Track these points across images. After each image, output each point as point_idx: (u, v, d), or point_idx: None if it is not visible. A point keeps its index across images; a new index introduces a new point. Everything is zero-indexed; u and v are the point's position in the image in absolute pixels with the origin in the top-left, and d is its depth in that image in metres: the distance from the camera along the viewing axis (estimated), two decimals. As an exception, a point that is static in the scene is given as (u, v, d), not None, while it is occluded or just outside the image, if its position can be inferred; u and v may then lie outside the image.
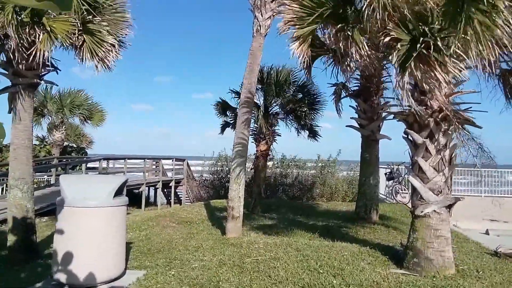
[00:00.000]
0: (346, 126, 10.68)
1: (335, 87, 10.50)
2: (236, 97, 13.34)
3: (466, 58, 4.38)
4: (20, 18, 5.68)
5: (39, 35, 5.84)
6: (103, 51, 6.65)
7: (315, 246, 6.75)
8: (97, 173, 15.96)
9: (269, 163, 16.20)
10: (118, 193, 4.99)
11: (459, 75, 4.68)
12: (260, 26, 8.08)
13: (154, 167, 19.98)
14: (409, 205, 6.52)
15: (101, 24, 6.66)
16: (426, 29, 4.48)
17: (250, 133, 10.61)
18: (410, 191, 9.69)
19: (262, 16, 8.07)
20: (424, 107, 5.38)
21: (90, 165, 18.54)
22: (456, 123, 5.31)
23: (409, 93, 4.84)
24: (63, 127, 19.31)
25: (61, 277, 4.60)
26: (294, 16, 5.79)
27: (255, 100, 10.56)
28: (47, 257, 6.20)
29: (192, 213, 11.64)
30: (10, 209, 6.39)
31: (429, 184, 5.51)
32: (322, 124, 14.00)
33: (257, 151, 13.08)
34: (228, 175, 11.28)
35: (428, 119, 5.43)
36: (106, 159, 17.21)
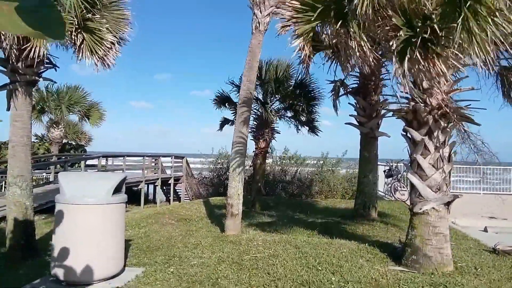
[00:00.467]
0: (345, 123, 10.68)
1: (333, 84, 10.50)
2: (235, 90, 13.35)
3: (467, 50, 4.36)
4: None
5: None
6: (103, 50, 6.62)
7: (314, 243, 6.76)
8: (96, 170, 15.95)
9: (269, 161, 16.23)
10: (117, 190, 4.99)
11: (460, 69, 4.66)
12: (259, 23, 8.06)
13: (153, 164, 19.98)
14: (408, 202, 6.53)
15: (100, 22, 6.63)
16: (423, 19, 4.45)
17: (249, 130, 10.61)
18: (408, 189, 9.72)
19: (261, 13, 8.05)
20: (423, 105, 5.38)
21: (89, 162, 18.53)
22: (455, 120, 5.31)
23: (410, 83, 4.81)
24: (62, 124, 19.29)
25: (60, 274, 4.60)
26: (295, 13, 5.78)
27: (254, 97, 10.57)
28: (46, 254, 6.20)
29: (191, 211, 11.65)
30: (9, 207, 6.39)
31: (428, 182, 5.52)
32: (321, 121, 13.97)
33: (256, 148, 13.09)
34: (227, 173, 11.28)
35: (427, 116, 5.43)
36: (105, 156, 17.20)
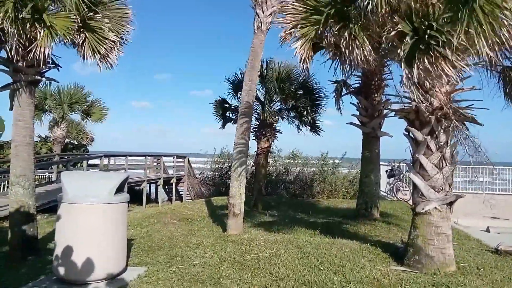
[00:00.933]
0: (347, 123, 10.67)
1: (336, 84, 10.50)
2: (231, 89, 13.34)
3: (471, 51, 4.36)
4: (21, 15, 5.66)
5: (39, 32, 5.82)
6: (105, 48, 6.63)
7: (315, 243, 6.76)
8: (98, 170, 15.98)
9: (270, 160, 16.24)
10: (119, 190, 4.99)
11: (465, 69, 4.65)
12: (261, 23, 8.06)
13: (155, 164, 20.01)
14: (410, 202, 6.51)
15: (102, 21, 6.63)
16: (431, 23, 4.45)
17: (251, 130, 10.62)
18: (411, 188, 9.70)
19: (263, 13, 8.05)
20: (425, 104, 5.37)
21: (91, 162, 18.58)
22: (457, 121, 5.30)
23: (417, 87, 4.82)
24: (64, 124, 19.33)
25: (62, 273, 4.61)
26: (298, 15, 5.77)
27: (256, 96, 10.57)
28: (48, 253, 6.22)
29: (193, 210, 11.67)
30: (11, 206, 6.41)
31: (430, 181, 5.51)
32: (323, 121, 13.97)
33: (258, 148, 13.09)
34: (229, 172, 11.29)
35: (429, 116, 5.42)
36: (107, 156, 17.24)
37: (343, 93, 10.53)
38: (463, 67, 4.59)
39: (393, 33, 4.83)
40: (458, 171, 13.77)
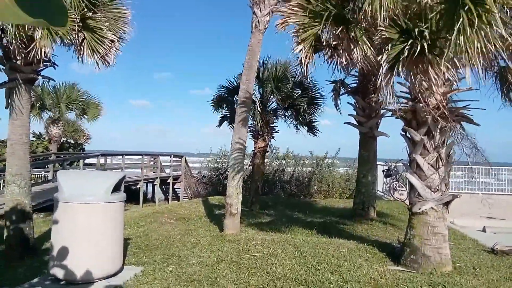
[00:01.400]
0: (345, 123, 10.69)
1: (334, 84, 10.51)
2: (226, 94, 13.38)
3: (462, 58, 4.38)
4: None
5: (38, 30, 5.79)
6: (104, 48, 6.61)
7: (312, 242, 6.76)
8: (95, 169, 15.92)
9: (267, 160, 16.23)
10: (115, 189, 4.98)
11: (454, 75, 4.68)
12: (258, 22, 8.05)
13: (152, 163, 19.96)
14: (407, 202, 6.53)
15: (101, 21, 6.61)
16: (420, 30, 4.47)
17: (248, 129, 10.61)
18: (407, 188, 9.73)
19: (261, 12, 8.04)
20: (422, 104, 5.39)
21: (87, 161, 18.51)
22: (453, 121, 5.32)
23: (394, 94, 4.85)
24: (60, 123, 19.25)
25: (58, 272, 4.60)
26: (297, 20, 5.77)
27: (253, 96, 10.57)
28: (44, 253, 6.19)
29: (190, 210, 11.65)
30: (7, 205, 6.37)
31: (427, 181, 5.52)
32: (320, 121, 14.01)
33: (255, 147, 13.09)
34: (226, 172, 11.30)
35: (426, 116, 5.44)
36: (103, 155, 17.17)
37: (341, 93, 10.55)
38: (456, 70, 4.61)
39: (381, 38, 4.85)
40: (455, 171, 13.82)
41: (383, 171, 14.59)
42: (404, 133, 5.89)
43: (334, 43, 5.84)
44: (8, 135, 6.50)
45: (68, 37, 6.12)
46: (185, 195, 19.81)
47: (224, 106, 13.77)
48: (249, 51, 8.22)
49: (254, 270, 5.26)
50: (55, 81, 7.94)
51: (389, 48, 4.63)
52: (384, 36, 4.75)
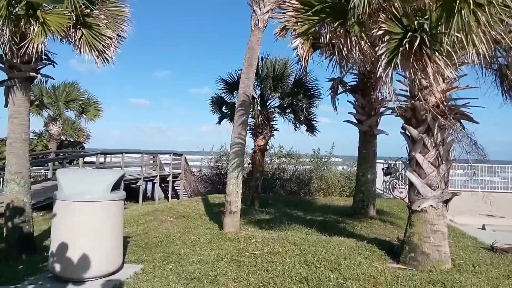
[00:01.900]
0: (344, 121, 10.70)
1: (332, 82, 10.49)
2: (225, 90, 13.36)
3: (460, 55, 4.38)
4: (14, 11, 5.62)
5: (34, 28, 5.77)
6: (102, 45, 6.60)
7: (312, 240, 6.77)
8: (94, 167, 15.93)
9: (267, 158, 16.24)
10: (115, 187, 4.98)
11: (453, 72, 4.67)
12: (258, 20, 8.04)
13: (151, 161, 19.96)
14: (406, 200, 6.53)
15: (99, 18, 6.60)
16: (419, 24, 4.46)
17: (248, 127, 10.61)
18: (407, 186, 9.74)
19: (260, 10, 8.03)
20: (421, 102, 5.38)
21: (87, 159, 18.50)
22: (453, 119, 5.31)
23: (399, 85, 4.85)
24: (60, 121, 19.23)
25: (58, 270, 4.60)
26: (295, 13, 5.76)
27: (253, 94, 10.57)
28: (44, 251, 6.19)
29: (189, 208, 11.65)
30: (6, 203, 6.37)
31: (426, 179, 5.52)
32: (320, 118, 14.04)
33: (254, 146, 13.09)
34: (227, 170, 11.31)
35: (425, 114, 5.43)
36: (103, 153, 17.18)
37: (339, 91, 10.53)
38: (455, 68, 4.61)
39: (380, 32, 4.84)
40: (455, 169, 13.83)
41: (382, 169, 14.62)
42: (403, 131, 5.88)
43: (333, 40, 5.82)
44: (7, 133, 6.50)
45: (62, 34, 6.07)
46: (185, 193, 19.83)
47: (223, 107, 13.75)
48: (249, 49, 8.21)
49: (253, 268, 5.26)
50: (54, 79, 7.92)
51: (387, 40, 4.62)
52: (383, 29, 4.73)
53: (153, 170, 19.24)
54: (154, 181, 18.32)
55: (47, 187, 13.38)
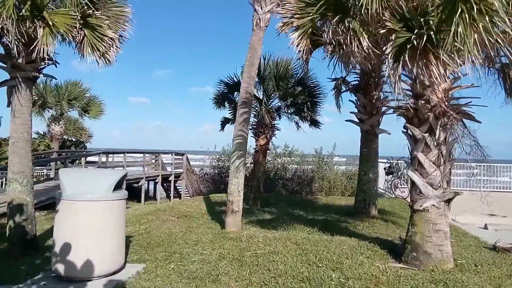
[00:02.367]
0: (346, 120, 10.68)
1: (335, 82, 10.49)
2: (226, 91, 13.38)
3: (463, 52, 4.36)
4: (20, 12, 5.64)
5: (39, 29, 5.79)
6: (104, 46, 6.61)
7: (314, 240, 6.77)
8: (97, 167, 15.95)
9: (269, 158, 16.24)
10: (117, 187, 4.99)
11: (457, 70, 4.66)
12: (259, 19, 8.04)
13: (153, 161, 19.99)
14: (408, 199, 6.53)
15: (101, 18, 6.61)
16: (423, 21, 4.45)
17: (250, 127, 10.61)
18: (409, 186, 9.73)
19: (261, 9, 8.03)
20: (424, 101, 5.37)
21: (89, 159, 18.54)
22: (455, 118, 5.30)
23: (401, 85, 4.84)
24: (62, 120, 19.27)
25: (60, 269, 4.62)
26: (294, 5, 5.78)
27: (254, 94, 10.57)
28: (46, 250, 6.22)
29: (191, 207, 11.66)
30: (9, 203, 6.39)
31: (428, 179, 5.51)
32: (322, 118, 14.06)
33: (256, 145, 13.10)
34: (228, 170, 11.33)
35: (427, 113, 5.43)
36: (105, 153, 17.20)
37: (342, 90, 10.53)
38: (458, 65, 4.59)
39: (383, 30, 4.84)
40: (457, 168, 13.80)
41: (384, 168, 14.60)
42: (405, 131, 5.87)
43: (334, 37, 5.82)
44: (10, 133, 6.52)
45: (70, 35, 6.11)
46: (187, 192, 19.86)
47: (226, 103, 13.78)
48: (250, 48, 8.21)
49: (255, 267, 5.27)
50: (56, 79, 7.95)
51: (393, 38, 4.60)
52: (388, 27, 4.72)
53: (155, 170, 19.27)
54: (156, 181, 18.34)
55: (49, 186, 13.42)
